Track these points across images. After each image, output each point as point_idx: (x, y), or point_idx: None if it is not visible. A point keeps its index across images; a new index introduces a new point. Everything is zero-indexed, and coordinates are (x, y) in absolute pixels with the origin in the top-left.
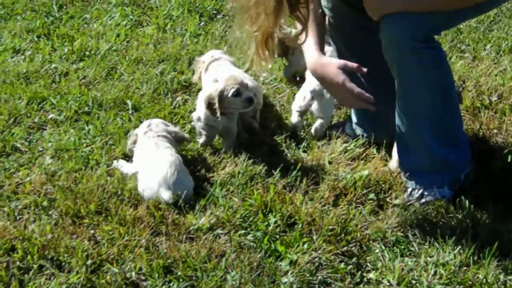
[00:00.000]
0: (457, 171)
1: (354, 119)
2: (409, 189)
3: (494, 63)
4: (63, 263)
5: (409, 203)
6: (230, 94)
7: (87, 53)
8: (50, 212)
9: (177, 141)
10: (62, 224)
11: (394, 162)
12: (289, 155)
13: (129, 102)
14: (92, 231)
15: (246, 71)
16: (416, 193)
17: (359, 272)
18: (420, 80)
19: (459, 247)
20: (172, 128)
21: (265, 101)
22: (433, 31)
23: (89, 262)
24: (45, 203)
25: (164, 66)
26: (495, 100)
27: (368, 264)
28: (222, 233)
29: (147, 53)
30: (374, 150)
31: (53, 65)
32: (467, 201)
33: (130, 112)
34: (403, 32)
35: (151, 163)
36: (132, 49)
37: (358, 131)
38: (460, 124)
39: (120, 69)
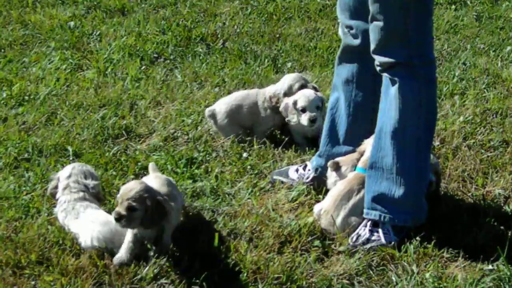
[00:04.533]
0: (422, 215)
1: (322, 147)
2: (354, 235)
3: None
4: None
5: (354, 249)
6: None
7: (26, 97)
8: None
9: (92, 196)
10: (2, 275)
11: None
12: (233, 201)
13: (69, 148)
14: (33, 282)
15: None
16: (362, 238)
17: None
18: (414, 103)
19: None
20: (91, 182)
21: (206, 146)
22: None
23: None
24: None
25: (105, 111)
26: (438, 145)
27: None
28: (166, 283)
29: (88, 97)
30: (321, 197)
31: None
32: (412, 247)
33: (71, 158)
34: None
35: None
36: (72, 94)
37: (315, 163)
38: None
39: (60, 114)
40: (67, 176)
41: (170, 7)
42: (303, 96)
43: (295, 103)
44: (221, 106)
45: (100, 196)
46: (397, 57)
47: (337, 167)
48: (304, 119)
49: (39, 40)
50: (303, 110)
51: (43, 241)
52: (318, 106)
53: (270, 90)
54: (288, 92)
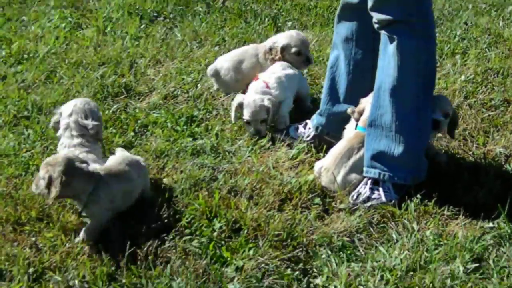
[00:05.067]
0: (421, 173)
1: (322, 106)
2: (355, 193)
3: (437, 67)
4: (4, 272)
5: (354, 207)
6: None
7: (25, 56)
8: None
9: (92, 137)
10: (2, 231)
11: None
12: (233, 159)
13: None
14: (33, 239)
15: None
16: (362, 196)
17: (306, 278)
18: (413, 61)
19: (406, 251)
20: (91, 122)
21: (206, 104)
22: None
23: (31, 270)
24: None
25: (105, 69)
26: None
27: (315, 269)
28: (166, 239)
29: (87, 56)
30: (321, 155)
31: None
32: (412, 205)
33: None
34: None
35: None
36: (72, 52)
37: (316, 121)
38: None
39: (60, 73)
40: (68, 114)
41: None
42: (248, 108)
43: (240, 106)
44: (223, 63)
45: (100, 137)
46: (395, 14)
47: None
48: (249, 130)
49: None
50: (248, 123)
51: (43, 197)
52: (262, 119)
53: (270, 41)
54: (284, 49)
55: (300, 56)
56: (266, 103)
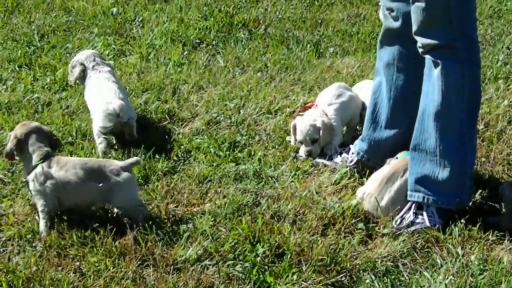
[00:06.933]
0: (466, 198)
1: (364, 131)
2: (398, 218)
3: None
4: None
5: (398, 232)
6: None
7: (69, 83)
8: (34, 244)
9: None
10: (47, 256)
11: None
12: (276, 184)
13: None
14: (77, 263)
15: None
16: (406, 221)
17: None
18: (457, 85)
19: (450, 276)
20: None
21: (249, 129)
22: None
23: None
24: (29, 235)
25: (148, 95)
26: (482, 129)
27: None
28: (210, 264)
29: (131, 82)
30: (364, 180)
31: (35, 95)
32: (456, 230)
33: (114, 142)
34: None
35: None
36: None
37: (358, 147)
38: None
39: None
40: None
41: None
42: (299, 128)
43: (294, 127)
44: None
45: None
46: (440, 38)
47: None
48: (301, 151)
49: (82, 26)
50: (300, 142)
51: (88, 221)
52: (313, 139)
53: None
54: None
55: None
56: (318, 123)
